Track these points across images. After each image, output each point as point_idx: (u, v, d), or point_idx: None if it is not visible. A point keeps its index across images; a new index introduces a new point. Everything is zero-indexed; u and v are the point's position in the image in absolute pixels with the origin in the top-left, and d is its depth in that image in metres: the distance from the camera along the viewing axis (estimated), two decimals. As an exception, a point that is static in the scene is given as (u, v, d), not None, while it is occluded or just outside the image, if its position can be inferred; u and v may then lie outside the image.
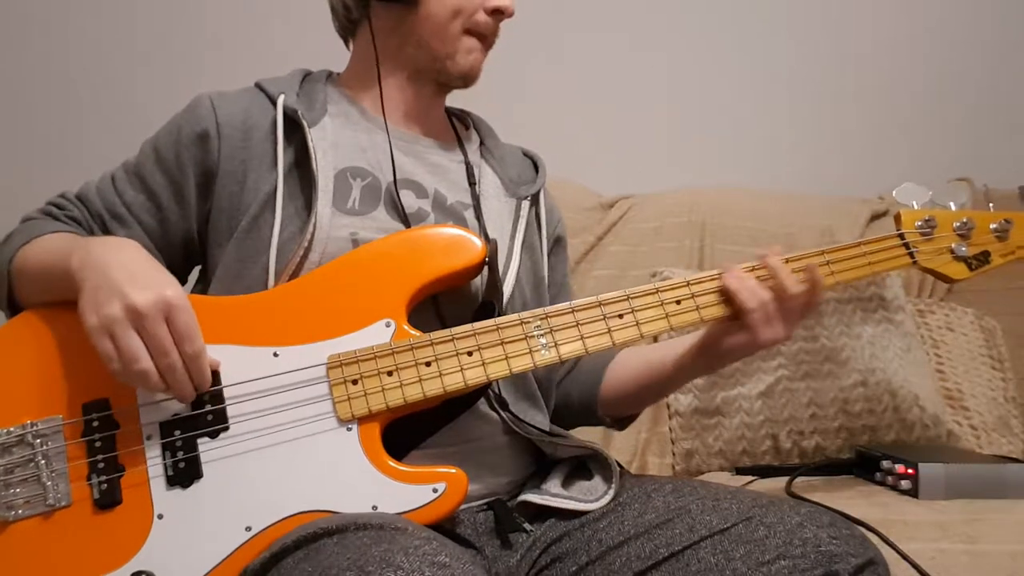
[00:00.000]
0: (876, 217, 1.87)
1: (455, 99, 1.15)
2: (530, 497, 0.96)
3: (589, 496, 0.96)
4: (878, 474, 1.36)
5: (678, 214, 1.83)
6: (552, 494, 0.96)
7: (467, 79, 1.07)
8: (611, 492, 0.95)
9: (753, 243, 1.80)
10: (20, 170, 1.84)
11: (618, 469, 0.99)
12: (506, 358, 0.91)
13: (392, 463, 0.87)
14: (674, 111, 2.06)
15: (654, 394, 1.13)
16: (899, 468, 1.31)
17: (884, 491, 1.33)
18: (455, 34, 1.04)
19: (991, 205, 1.10)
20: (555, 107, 2.00)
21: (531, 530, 0.95)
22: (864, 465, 1.43)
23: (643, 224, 1.83)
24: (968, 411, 1.65)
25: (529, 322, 0.93)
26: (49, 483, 0.84)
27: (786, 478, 1.38)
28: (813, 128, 2.07)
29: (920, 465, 1.28)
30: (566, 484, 0.99)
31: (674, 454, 1.61)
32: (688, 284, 0.97)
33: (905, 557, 1.03)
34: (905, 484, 1.30)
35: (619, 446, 1.62)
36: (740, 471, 1.55)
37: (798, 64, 2.08)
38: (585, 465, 1.02)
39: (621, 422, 1.15)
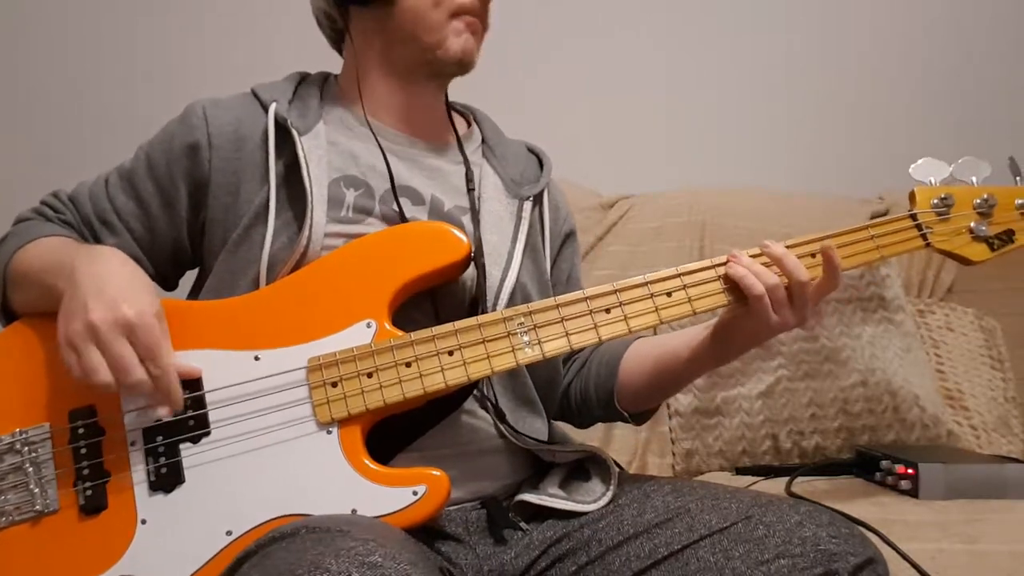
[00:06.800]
0: (876, 217, 1.87)
1: (457, 97, 1.14)
2: (527, 497, 0.95)
3: (587, 497, 0.95)
4: (878, 474, 1.36)
5: (678, 214, 1.83)
6: (550, 494, 0.95)
7: (462, 64, 1.03)
8: (609, 493, 0.95)
9: (753, 243, 1.79)
10: (20, 170, 1.84)
11: (616, 470, 0.98)
12: (487, 357, 0.89)
13: (373, 465, 0.86)
14: (674, 111, 2.05)
15: (670, 386, 1.09)
16: (899, 468, 1.31)
17: (884, 491, 1.33)
18: (440, 21, 1.00)
19: (1018, 179, 0.99)
20: (555, 107, 2.00)
21: (527, 529, 0.94)
22: (864, 465, 1.43)
23: (643, 224, 1.83)
24: (968, 411, 1.65)
25: (512, 319, 0.90)
26: (37, 489, 0.85)
27: (786, 478, 1.38)
28: (813, 128, 2.07)
29: (920, 465, 1.28)
30: (564, 485, 0.99)
31: (674, 454, 1.61)
32: (680, 275, 0.94)
33: (905, 557, 1.03)
34: (905, 484, 1.30)
35: (619, 446, 1.62)
36: (740, 471, 1.55)
37: (798, 64, 2.08)
38: (583, 466, 1.01)
39: (639, 416, 1.12)
